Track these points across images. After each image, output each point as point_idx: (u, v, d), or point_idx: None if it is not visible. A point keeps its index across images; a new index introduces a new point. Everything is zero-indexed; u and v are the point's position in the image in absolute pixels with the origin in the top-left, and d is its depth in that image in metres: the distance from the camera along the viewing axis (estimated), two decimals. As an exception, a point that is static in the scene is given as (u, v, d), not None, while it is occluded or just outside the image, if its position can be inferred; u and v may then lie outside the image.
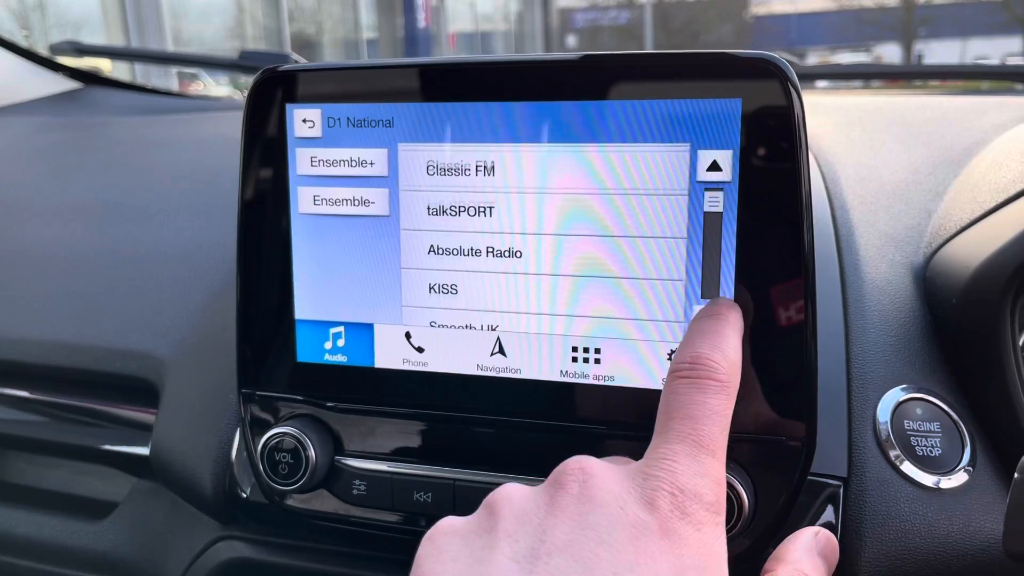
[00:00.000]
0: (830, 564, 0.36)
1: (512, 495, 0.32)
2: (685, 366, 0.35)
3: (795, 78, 0.39)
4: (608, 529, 0.29)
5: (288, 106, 0.46)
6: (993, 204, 0.51)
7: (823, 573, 0.35)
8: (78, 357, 0.63)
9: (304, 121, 0.46)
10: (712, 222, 0.41)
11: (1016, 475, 0.34)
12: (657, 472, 0.31)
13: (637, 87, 0.41)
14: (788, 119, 0.39)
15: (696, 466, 0.31)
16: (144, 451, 0.59)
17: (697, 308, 0.41)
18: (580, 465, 0.32)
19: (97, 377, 0.63)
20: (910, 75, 1.23)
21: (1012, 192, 0.51)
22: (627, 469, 0.32)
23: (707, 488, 0.31)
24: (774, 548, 0.45)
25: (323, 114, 0.46)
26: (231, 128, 0.93)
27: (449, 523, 0.32)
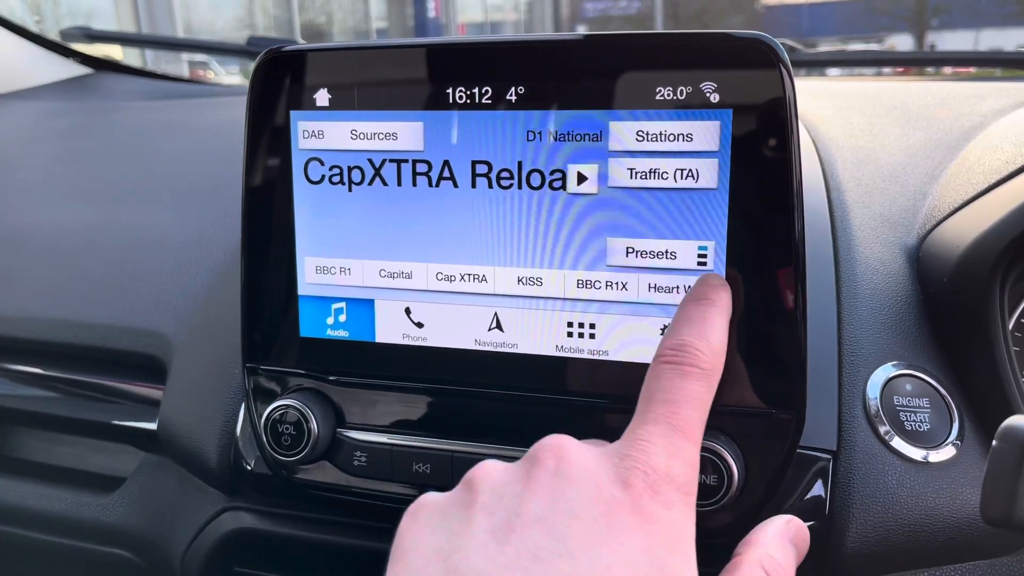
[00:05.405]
0: (800, 552, 0.36)
1: (490, 471, 0.33)
2: (669, 352, 0.36)
3: (787, 59, 0.40)
4: (582, 504, 0.30)
5: (291, 83, 0.47)
6: (986, 185, 0.52)
7: (792, 559, 0.35)
8: (87, 335, 0.65)
9: (307, 96, 0.47)
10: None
11: (995, 443, 0.35)
12: (632, 452, 0.32)
13: (632, 65, 0.42)
14: (779, 100, 0.40)
15: (670, 448, 0.32)
16: (152, 426, 0.61)
17: (692, 282, 0.42)
18: (557, 442, 0.33)
19: (106, 354, 0.64)
20: (917, 62, 1.22)
21: (1005, 173, 0.51)
22: (603, 449, 0.33)
23: (679, 470, 0.32)
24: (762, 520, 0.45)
25: (327, 91, 0.47)
26: (239, 113, 0.93)
27: (430, 498, 0.34)
